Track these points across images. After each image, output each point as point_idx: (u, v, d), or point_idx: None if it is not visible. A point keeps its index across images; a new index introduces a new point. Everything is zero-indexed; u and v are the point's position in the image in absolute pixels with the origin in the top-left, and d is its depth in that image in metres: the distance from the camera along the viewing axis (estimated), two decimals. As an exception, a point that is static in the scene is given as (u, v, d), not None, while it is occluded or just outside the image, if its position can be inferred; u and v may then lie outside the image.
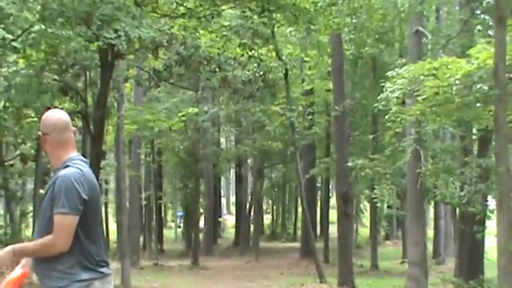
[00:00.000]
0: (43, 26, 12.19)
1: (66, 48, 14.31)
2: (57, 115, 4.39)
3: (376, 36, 24.32)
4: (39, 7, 12.50)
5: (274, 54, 22.14)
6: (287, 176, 43.77)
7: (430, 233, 31.03)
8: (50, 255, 4.12)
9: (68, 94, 17.88)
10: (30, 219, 23.76)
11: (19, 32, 12.60)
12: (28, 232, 23.39)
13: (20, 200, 24.22)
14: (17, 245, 4.20)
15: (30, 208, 24.23)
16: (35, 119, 19.11)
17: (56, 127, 4.28)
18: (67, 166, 4.21)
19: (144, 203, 34.33)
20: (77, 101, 17.79)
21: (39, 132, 4.34)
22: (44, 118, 4.37)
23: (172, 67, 20.71)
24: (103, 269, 4.28)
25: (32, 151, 22.38)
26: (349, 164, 20.79)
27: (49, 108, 17.45)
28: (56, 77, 16.81)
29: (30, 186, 25.57)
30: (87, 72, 18.03)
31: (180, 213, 44.16)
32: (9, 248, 4.13)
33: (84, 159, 4.38)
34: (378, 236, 33.79)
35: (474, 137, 20.57)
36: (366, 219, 43.52)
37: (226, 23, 17.29)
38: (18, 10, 11.46)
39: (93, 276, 4.20)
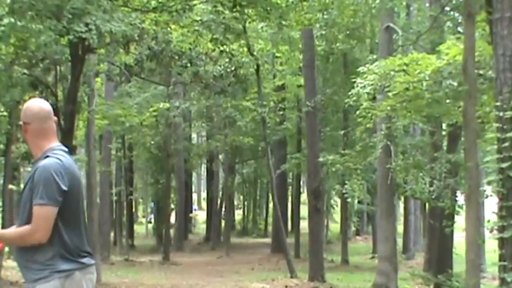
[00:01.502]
0: (12, 20, 12.05)
1: (36, 42, 14.18)
2: (38, 104, 4.35)
3: (347, 32, 24.44)
4: (8, 0, 12.39)
5: (245, 49, 22.12)
6: (258, 172, 43.81)
7: (400, 228, 31.24)
8: (27, 245, 4.12)
9: (38, 88, 17.73)
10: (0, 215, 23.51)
11: (-12, 25, 12.47)
12: (-3, 227, 23.14)
13: (-12, 195, 23.97)
14: None
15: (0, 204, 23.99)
16: (5, 114, 18.93)
17: (37, 116, 4.25)
18: (47, 156, 4.18)
19: (114, 198, 34.16)
20: (47, 95, 17.65)
21: (20, 122, 4.29)
22: (25, 107, 4.34)
23: (144, 62, 20.62)
24: (84, 260, 4.26)
25: (1, 146, 22.16)
26: (320, 159, 20.88)
27: (18, 103, 17.34)
28: (25, 71, 16.67)
29: (-1, 181, 25.31)
30: (58, 67, 17.89)
31: (153, 205, 43.95)
32: None
33: (65, 149, 4.34)
34: (348, 232, 33.96)
35: (444, 133, 20.76)
36: (337, 214, 43.70)
37: (198, 18, 17.25)
38: (-13, 3, 11.36)
39: (74, 266, 4.17)
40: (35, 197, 4.04)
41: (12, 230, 4.21)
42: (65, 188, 4.11)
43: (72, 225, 4.22)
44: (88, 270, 4.29)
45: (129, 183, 35.95)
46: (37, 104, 4.36)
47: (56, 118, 4.42)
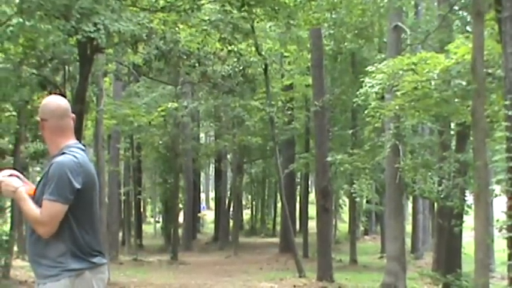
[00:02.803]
0: (21, 20, 12.08)
1: (44, 42, 14.23)
2: (56, 101, 4.35)
3: (356, 31, 24.39)
4: (17, 0, 12.42)
5: (253, 49, 22.12)
6: (266, 171, 43.81)
7: (409, 227, 31.21)
8: (29, 221, 4.15)
9: (47, 88, 17.78)
10: (8, 215, 23.56)
11: (-3, 25, 12.51)
12: (6, 227, 23.17)
13: (-3, 195, 24.03)
14: (23, 192, 4.17)
15: (8, 203, 24.05)
16: (14, 113, 18.99)
17: (54, 113, 4.25)
18: (63, 153, 4.18)
19: (123, 198, 34.22)
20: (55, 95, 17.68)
21: (38, 118, 4.28)
22: (43, 104, 4.33)
23: (152, 62, 20.61)
24: (95, 259, 4.24)
25: (10, 146, 22.21)
26: (329, 159, 20.84)
27: (27, 103, 17.37)
28: (34, 71, 16.72)
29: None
30: (66, 67, 17.95)
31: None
32: (19, 187, 4.16)
33: (83, 147, 4.35)
34: (356, 231, 33.94)
35: (452, 132, 20.72)
36: (345, 214, 43.67)
37: (206, 18, 17.24)
38: (-4, 3, 11.39)
39: (84, 266, 4.16)
40: (46, 191, 4.05)
41: (30, 204, 4.13)
42: (78, 186, 4.11)
43: (84, 223, 4.20)
44: (99, 270, 4.27)
45: (137, 183, 35.99)
46: (55, 101, 4.35)
47: (73, 115, 4.41)
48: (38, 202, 4.13)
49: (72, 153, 4.19)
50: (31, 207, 4.11)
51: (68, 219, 4.11)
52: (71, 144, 4.27)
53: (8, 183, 4.19)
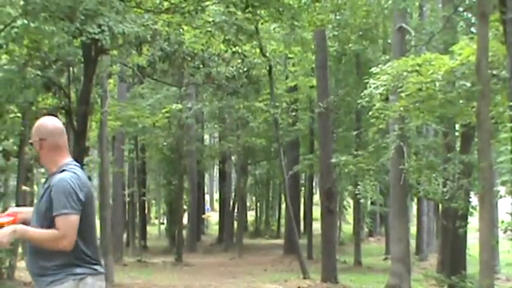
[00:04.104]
0: (26, 21, 12.09)
1: (49, 44, 14.23)
2: (53, 121, 4.55)
3: (360, 32, 24.40)
4: (22, 2, 12.43)
5: (258, 50, 22.13)
6: (271, 173, 43.78)
7: (413, 229, 31.16)
8: (49, 248, 4.25)
9: (51, 90, 17.77)
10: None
11: (1, 27, 12.52)
12: (11, 229, 23.23)
13: (2, 197, 24.04)
14: (21, 226, 4.28)
15: (13, 205, 24.08)
16: (18, 115, 18.99)
17: (53, 132, 4.45)
18: (63, 170, 4.36)
19: (127, 199, 34.23)
20: (60, 96, 17.70)
21: (36, 138, 4.43)
22: (39, 124, 4.50)
23: (156, 63, 20.63)
24: (96, 267, 4.45)
25: (15, 147, 22.23)
26: (333, 160, 20.84)
27: (32, 104, 17.40)
28: (39, 72, 16.70)
29: (12, 183, 25.36)
30: (71, 68, 17.93)
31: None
32: (13, 227, 4.24)
33: (78, 164, 4.55)
34: (361, 233, 33.87)
35: (457, 134, 20.69)
36: (350, 215, 43.60)
37: (210, 19, 17.25)
38: (0, 5, 11.39)
39: (87, 271, 4.35)
40: (56, 208, 4.21)
41: (38, 231, 4.27)
42: (83, 199, 4.31)
43: (85, 234, 4.39)
44: (99, 277, 4.47)
45: (141, 184, 36.00)
46: (51, 122, 4.54)
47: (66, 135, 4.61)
48: (41, 217, 4.31)
49: (72, 169, 4.39)
50: (40, 232, 4.25)
51: None
52: (69, 162, 4.46)
53: (1, 234, 4.25)
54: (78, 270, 4.30)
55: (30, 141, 4.52)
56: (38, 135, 4.43)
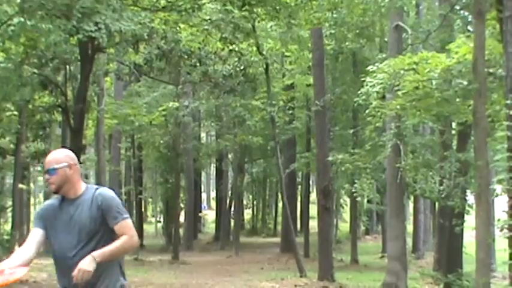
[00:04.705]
0: (22, 19, 12.08)
1: (46, 42, 14.22)
2: (71, 152, 4.99)
3: (357, 31, 24.38)
4: (18, 0, 12.41)
5: (255, 48, 22.11)
6: (267, 171, 43.77)
7: (410, 227, 31.20)
8: (127, 252, 4.92)
9: (48, 88, 17.81)
10: (9, 214, 23.60)
11: (-2, 24, 12.51)
12: (7, 227, 23.23)
13: (-2, 195, 24.07)
14: (95, 252, 4.53)
15: (10, 203, 24.10)
16: (15, 113, 19.00)
17: (76, 160, 4.85)
18: (96, 188, 4.80)
19: (124, 197, 34.19)
20: (56, 94, 17.73)
21: (70, 162, 4.74)
22: (66, 153, 4.86)
23: (153, 61, 20.63)
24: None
25: (12, 145, 22.24)
26: (330, 158, 20.83)
27: (28, 102, 17.34)
28: (35, 70, 16.73)
29: (9, 181, 25.37)
30: (67, 66, 17.96)
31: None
32: (89, 257, 4.48)
33: None
34: (357, 231, 33.92)
35: (453, 132, 20.70)
36: (346, 214, 43.66)
37: (207, 17, 17.25)
38: (-3, 3, 11.38)
39: (124, 282, 4.88)
40: (116, 216, 4.65)
41: (111, 246, 4.60)
42: None
43: None
44: None
45: (138, 182, 36.00)
46: (71, 151, 4.97)
47: None
48: (83, 229, 4.63)
49: (99, 187, 4.89)
50: (115, 246, 4.61)
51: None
52: (89, 183, 4.99)
53: (84, 269, 4.48)
54: (123, 280, 4.82)
55: (56, 166, 4.69)
56: (69, 161, 4.76)
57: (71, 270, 4.46)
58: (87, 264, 4.42)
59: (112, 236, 4.64)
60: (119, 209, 4.66)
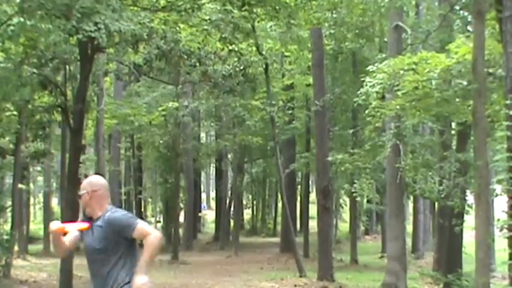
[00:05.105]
0: (22, 19, 12.06)
1: (45, 42, 14.21)
2: (101, 178, 5.84)
3: (356, 31, 24.37)
4: (18, 0, 12.41)
5: (254, 48, 22.12)
6: (267, 171, 43.81)
7: (409, 227, 31.21)
8: (158, 248, 5.38)
9: (48, 88, 17.79)
10: (9, 214, 23.58)
11: (-3, 24, 12.49)
12: (7, 227, 23.20)
13: (-2, 194, 24.05)
14: (140, 267, 5.34)
15: (9, 203, 24.08)
16: (14, 113, 19.00)
17: (104, 186, 5.66)
18: (114, 211, 5.51)
19: (124, 197, 34.23)
20: (56, 94, 17.71)
21: (89, 189, 5.53)
22: (89, 180, 5.70)
23: (153, 61, 20.63)
24: None
25: (11, 145, 22.22)
26: (329, 158, 20.84)
27: (28, 102, 17.35)
28: (35, 70, 16.70)
29: (8, 181, 25.36)
30: (67, 66, 17.95)
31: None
32: (142, 277, 5.28)
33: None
34: (357, 231, 33.93)
35: (453, 132, 20.71)
36: (346, 214, 43.66)
37: (207, 17, 17.22)
38: (-4, 3, 11.37)
39: None
40: (129, 226, 5.33)
41: (144, 256, 5.30)
42: None
43: None
44: None
45: (138, 182, 36.02)
46: (101, 178, 5.85)
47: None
48: (103, 245, 5.39)
49: (115, 209, 5.59)
50: (146, 252, 5.31)
51: (132, 246, 5.48)
52: (110, 207, 5.60)
53: (143, 281, 5.31)
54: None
55: (79, 192, 5.56)
56: (91, 188, 5.54)
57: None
58: (144, 282, 5.24)
59: (130, 244, 5.39)
60: (128, 222, 5.33)
